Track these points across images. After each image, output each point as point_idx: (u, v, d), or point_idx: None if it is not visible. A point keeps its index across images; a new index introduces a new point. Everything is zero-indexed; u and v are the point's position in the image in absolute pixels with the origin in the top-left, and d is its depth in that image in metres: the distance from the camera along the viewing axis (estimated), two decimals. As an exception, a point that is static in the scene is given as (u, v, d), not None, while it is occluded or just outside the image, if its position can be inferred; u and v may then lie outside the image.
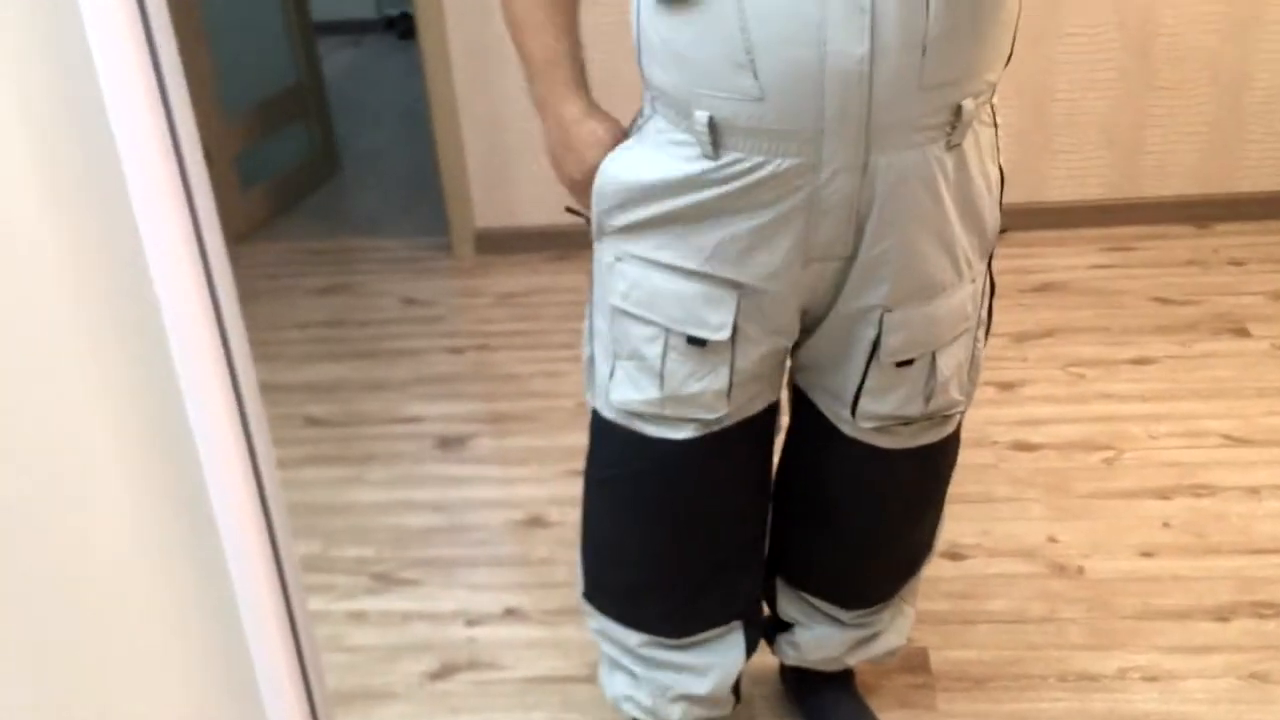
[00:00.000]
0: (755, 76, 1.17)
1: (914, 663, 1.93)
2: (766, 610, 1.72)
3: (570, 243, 3.44)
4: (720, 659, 1.61)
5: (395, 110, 5.24)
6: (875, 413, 1.41)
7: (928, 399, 1.40)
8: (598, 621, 1.64)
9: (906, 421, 1.43)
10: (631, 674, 1.64)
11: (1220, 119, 3.27)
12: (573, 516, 2.35)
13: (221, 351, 0.90)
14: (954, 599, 2.06)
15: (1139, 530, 2.20)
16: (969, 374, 1.47)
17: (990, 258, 1.44)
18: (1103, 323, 2.92)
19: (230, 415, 0.93)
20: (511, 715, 1.92)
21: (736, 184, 1.24)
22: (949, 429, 1.50)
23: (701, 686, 1.61)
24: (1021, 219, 3.36)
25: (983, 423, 2.53)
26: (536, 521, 2.37)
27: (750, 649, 1.64)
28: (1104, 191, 3.37)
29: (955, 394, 1.44)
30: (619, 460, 1.47)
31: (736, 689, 1.68)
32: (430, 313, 3.32)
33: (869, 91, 1.16)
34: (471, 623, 2.11)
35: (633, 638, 1.61)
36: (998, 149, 1.36)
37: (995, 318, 3.06)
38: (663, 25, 1.22)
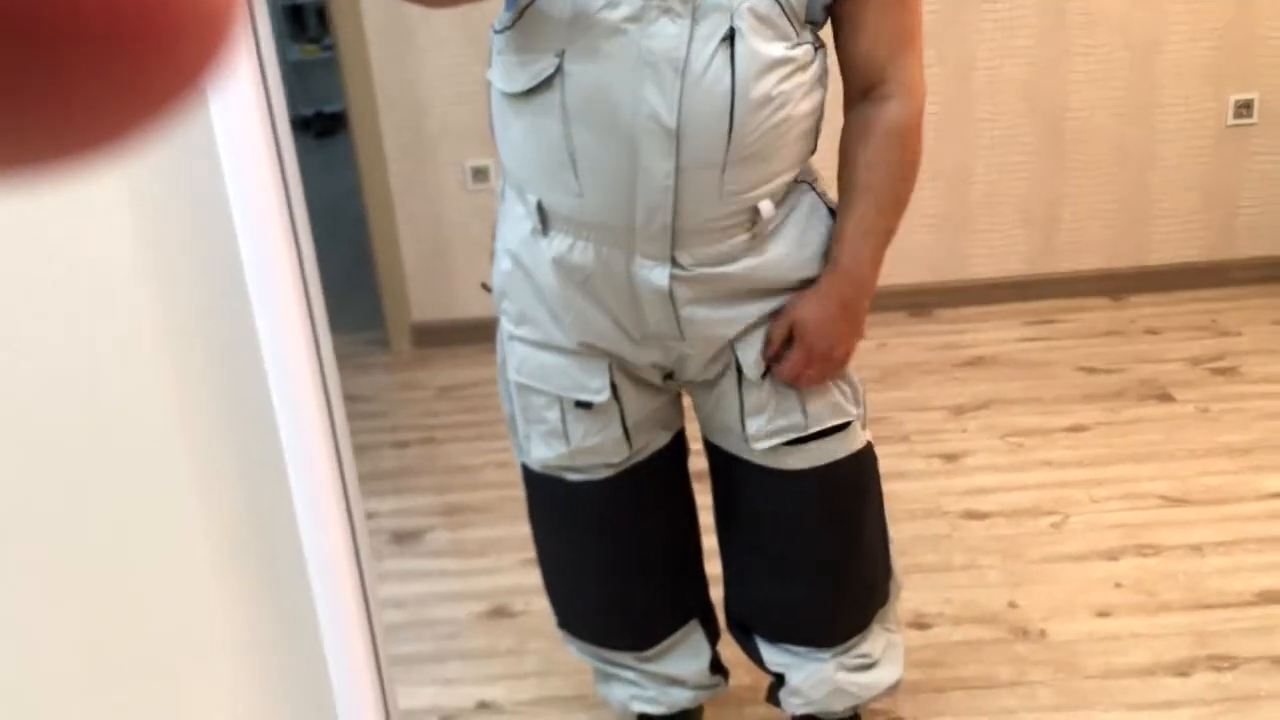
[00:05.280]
0: (576, 176, 1.33)
1: (893, 733, 1.95)
2: (767, 675, 1.80)
3: (509, 334, 3.46)
4: (689, 660, 1.78)
5: (317, 209, 5.24)
6: (763, 429, 1.52)
7: (805, 410, 1.51)
8: (577, 645, 1.81)
9: (799, 437, 1.52)
10: (626, 678, 1.81)
11: (1128, 196, 3.45)
12: (537, 605, 2.35)
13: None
14: (925, 668, 2.10)
15: (1093, 592, 2.27)
16: (846, 385, 1.55)
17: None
18: (1034, 393, 3.03)
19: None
20: (495, 810, 1.89)
21: (564, 260, 1.40)
22: (849, 445, 1.57)
23: (680, 688, 1.80)
24: (948, 296, 3.48)
25: (934, 494, 2.59)
26: (501, 612, 2.36)
27: (713, 639, 1.81)
28: (1024, 268, 3.51)
29: (840, 400, 1.54)
30: (552, 504, 1.66)
31: (719, 669, 1.83)
32: (372, 408, 3.31)
33: (674, 200, 1.32)
34: (446, 718, 2.08)
35: (611, 655, 1.79)
36: (822, 199, 1.48)
37: (931, 391, 3.15)
38: (508, 115, 1.39)
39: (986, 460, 2.74)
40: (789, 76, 1.30)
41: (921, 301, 3.48)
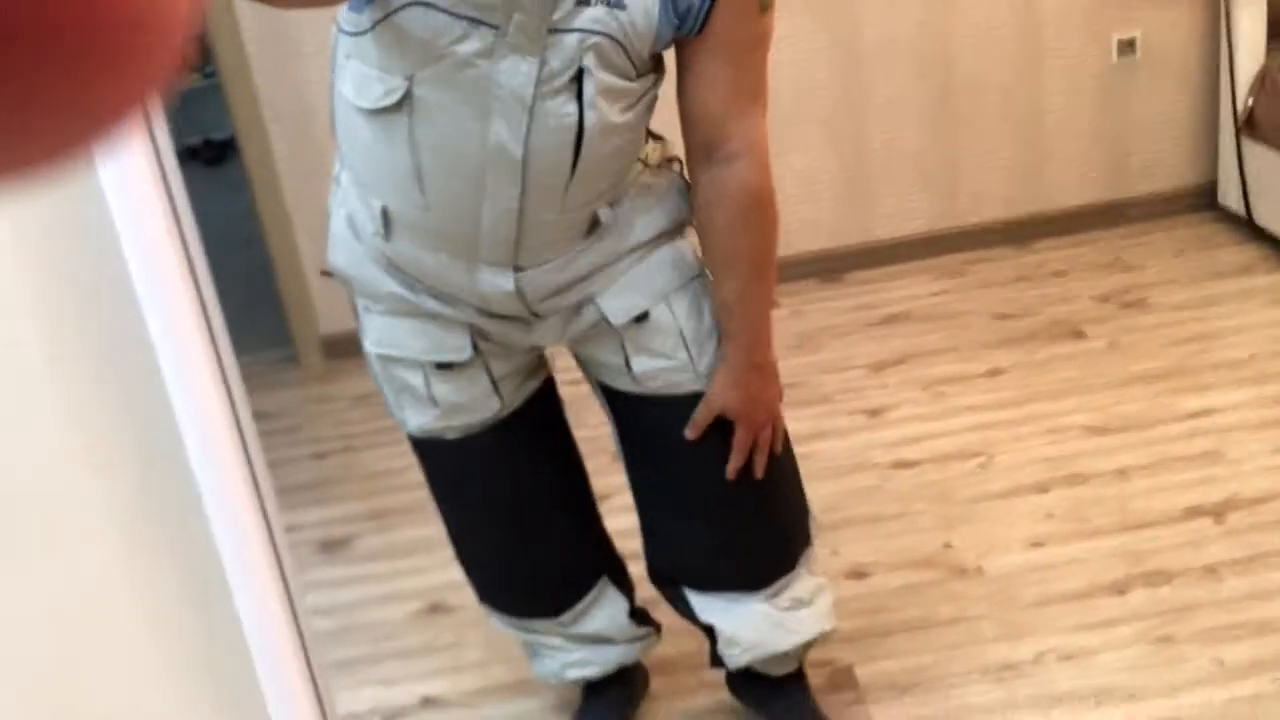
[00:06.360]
0: (422, 193, 1.36)
1: (840, 681, 1.94)
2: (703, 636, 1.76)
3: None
4: (608, 615, 1.76)
5: (214, 235, 5.11)
6: (648, 369, 1.55)
7: (688, 349, 1.53)
8: (499, 619, 1.82)
9: (682, 369, 1.54)
10: (553, 645, 1.80)
11: (1022, 144, 3.49)
12: (473, 597, 2.29)
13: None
14: (866, 615, 2.09)
15: (1025, 525, 2.28)
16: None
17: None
18: (951, 343, 3.05)
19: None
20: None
21: (408, 266, 1.45)
22: None
23: (609, 645, 1.79)
24: (857, 260, 3.50)
25: (860, 448, 2.59)
26: (437, 608, 2.30)
27: (628, 593, 1.79)
28: (928, 224, 3.54)
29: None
30: (441, 465, 1.69)
31: (646, 621, 1.83)
32: (286, 424, 3.22)
33: (518, 220, 1.36)
34: (389, 717, 2.02)
35: (532, 624, 1.78)
36: (669, 167, 1.53)
37: (851, 351, 3.14)
38: (355, 121, 1.39)
39: (910, 411, 2.75)
40: (630, 107, 1.36)
41: (831, 267, 3.49)
